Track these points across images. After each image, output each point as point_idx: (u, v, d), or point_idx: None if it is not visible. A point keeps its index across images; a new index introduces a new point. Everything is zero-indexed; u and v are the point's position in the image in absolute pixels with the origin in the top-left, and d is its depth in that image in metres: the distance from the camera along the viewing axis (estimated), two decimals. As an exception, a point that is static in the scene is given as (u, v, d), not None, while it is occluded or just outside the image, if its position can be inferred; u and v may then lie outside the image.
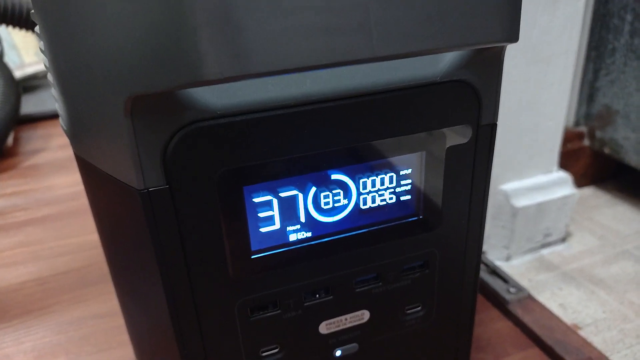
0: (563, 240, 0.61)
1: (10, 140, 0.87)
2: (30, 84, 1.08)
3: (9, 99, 0.83)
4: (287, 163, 0.25)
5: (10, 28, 0.71)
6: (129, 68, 0.20)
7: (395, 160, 0.28)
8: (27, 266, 0.58)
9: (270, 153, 0.25)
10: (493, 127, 0.29)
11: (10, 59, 1.00)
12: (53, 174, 0.79)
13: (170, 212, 0.24)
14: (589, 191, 0.73)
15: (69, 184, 0.76)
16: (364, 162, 0.27)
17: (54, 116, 0.98)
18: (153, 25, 0.19)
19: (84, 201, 0.71)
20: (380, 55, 0.19)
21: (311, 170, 0.26)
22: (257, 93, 0.23)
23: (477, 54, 0.26)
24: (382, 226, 0.29)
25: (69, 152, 0.86)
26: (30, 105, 0.99)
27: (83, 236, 0.63)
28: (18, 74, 1.01)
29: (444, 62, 0.26)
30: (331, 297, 0.30)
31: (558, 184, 0.58)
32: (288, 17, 0.18)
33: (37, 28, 0.27)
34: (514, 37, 0.22)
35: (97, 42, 0.21)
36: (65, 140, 0.91)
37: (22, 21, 0.65)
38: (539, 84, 0.52)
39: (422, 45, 0.20)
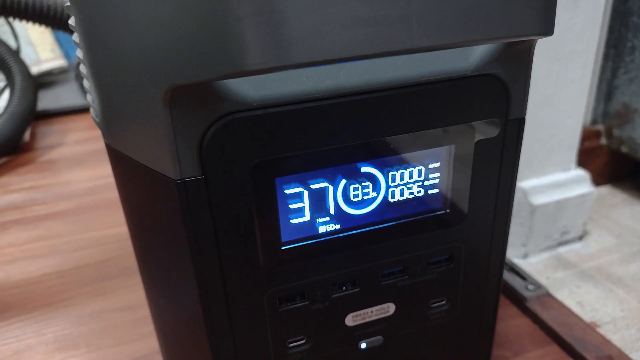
0: (580, 238, 0.61)
1: (27, 135, 0.88)
2: (46, 80, 1.09)
3: (26, 94, 0.84)
4: (319, 155, 0.26)
5: (28, 23, 0.72)
6: (170, 59, 0.20)
7: (424, 153, 0.28)
8: (47, 259, 0.59)
9: (303, 145, 0.25)
10: (521, 121, 0.29)
11: (26, 55, 1.01)
12: (70, 168, 0.80)
13: (204, 203, 0.24)
14: (606, 190, 0.73)
15: (87, 178, 0.76)
16: (394, 155, 0.27)
17: (69, 112, 0.99)
18: (196, 16, 0.19)
19: (101, 196, 0.71)
20: (420, 46, 0.20)
21: (342, 162, 0.27)
22: (292, 85, 0.24)
23: (507, 48, 0.26)
24: (409, 219, 0.29)
25: (85, 147, 0.87)
26: (46, 101, 1.00)
27: (101, 230, 0.64)
28: (34, 70, 1.02)
29: (475, 56, 0.26)
30: (358, 289, 0.30)
31: (576, 182, 0.57)
32: (331, 8, 0.18)
33: (71, 20, 0.27)
34: (550, 30, 0.22)
35: (136, 32, 0.21)
36: (81, 135, 0.91)
37: (41, 16, 0.66)
38: (559, 81, 0.52)
39: (462, 37, 0.20)
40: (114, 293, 0.53)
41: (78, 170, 0.79)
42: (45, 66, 1.07)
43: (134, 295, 0.53)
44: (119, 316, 0.50)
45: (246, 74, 0.19)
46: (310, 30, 0.18)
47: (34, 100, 0.86)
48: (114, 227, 0.64)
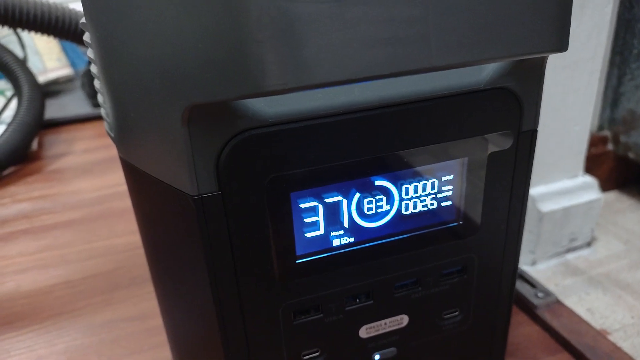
0: (588, 244, 0.61)
1: (35, 144, 0.88)
2: (53, 88, 1.09)
3: (34, 104, 0.84)
4: (333, 170, 0.26)
5: (35, 34, 0.72)
6: (189, 78, 0.21)
7: (437, 166, 0.28)
8: (57, 269, 0.59)
9: (318, 160, 0.25)
10: (534, 133, 0.29)
11: (33, 65, 1.02)
12: (78, 177, 0.80)
13: (221, 218, 0.25)
14: (612, 195, 0.73)
15: (94, 188, 0.77)
16: (407, 169, 0.28)
17: (76, 121, 1.00)
18: (216, 37, 0.19)
19: (109, 205, 0.72)
20: (438, 65, 0.20)
21: (356, 176, 0.27)
22: (307, 101, 0.24)
23: (520, 62, 0.26)
24: (422, 232, 0.30)
25: (92, 156, 0.87)
26: (52, 110, 1.00)
27: (110, 240, 0.64)
28: (41, 79, 1.03)
29: (488, 70, 0.26)
30: (372, 301, 0.30)
31: (584, 189, 0.58)
32: (350, 29, 0.18)
33: (86, 36, 0.27)
34: (564, 46, 0.22)
35: (154, 51, 0.21)
36: (88, 144, 0.92)
37: (49, 28, 0.66)
38: (566, 88, 0.52)
39: (479, 55, 0.20)
40: (125, 303, 0.54)
41: (86, 179, 0.80)
42: (52, 75, 1.08)
43: (144, 304, 0.53)
44: (129, 326, 0.50)
45: (266, 95, 0.19)
46: (329, 52, 0.19)
47: (42, 110, 0.87)
48: (123, 236, 0.64)
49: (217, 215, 0.25)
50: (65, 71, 1.10)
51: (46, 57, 1.07)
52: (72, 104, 1.03)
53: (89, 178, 0.80)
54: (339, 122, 0.25)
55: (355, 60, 0.19)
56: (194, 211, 0.24)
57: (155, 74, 0.22)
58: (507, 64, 0.26)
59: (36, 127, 0.84)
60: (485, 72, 0.26)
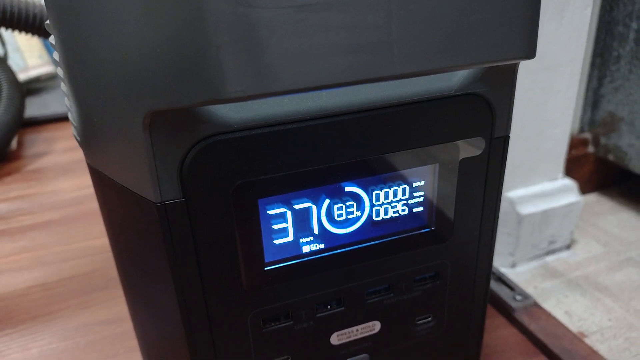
0: (568, 247, 0.62)
1: (14, 143, 0.87)
2: (34, 86, 1.08)
3: (13, 102, 0.83)
4: (302, 176, 0.26)
5: (14, 32, 0.71)
6: (150, 83, 0.20)
7: (408, 172, 0.28)
8: (32, 271, 0.58)
9: (285, 166, 0.25)
10: (506, 139, 0.29)
11: (14, 62, 1.00)
12: (57, 177, 0.79)
13: (185, 225, 0.24)
14: (593, 198, 0.73)
15: (74, 188, 0.76)
16: (378, 175, 0.27)
17: (57, 119, 0.99)
18: (176, 43, 0.19)
19: (88, 205, 0.71)
20: (401, 73, 0.19)
21: (325, 182, 0.26)
22: (274, 107, 0.24)
23: (491, 69, 0.26)
24: (394, 238, 0.29)
25: (72, 156, 0.86)
26: (33, 108, 0.99)
27: (88, 241, 0.63)
28: (22, 76, 1.01)
29: (459, 76, 0.26)
30: (343, 308, 0.30)
31: (563, 191, 0.58)
32: (310, 36, 0.18)
33: (51, 39, 0.27)
34: (531, 53, 0.22)
35: (116, 56, 0.21)
36: (68, 144, 0.91)
37: (27, 25, 0.65)
38: (546, 91, 0.53)
39: (442, 63, 0.20)
40: (101, 306, 0.53)
41: (65, 179, 0.79)
42: (33, 73, 1.06)
43: (120, 307, 0.52)
44: (105, 329, 0.50)
45: (227, 102, 0.19)
46: (289, 59, 0.18)
47: (21, 109, 0.85)
48: (100, 237, 0.64)
49: (181, 223, 0.24)
50: (46, 69, 1.09)
51: (27, 54, 1.06)
52: (53, 102, 1.02)
53: (68, 178, 0.79)
54: (306, 127, 0.24)
55: (316, 67, 0.18)
56: (157, 218, 0.24)
57: (116, 79, 0.21)
58: (478, 70, 0.26)
59: (15, 126, 0.83)
60: (456, 78, 0.26)
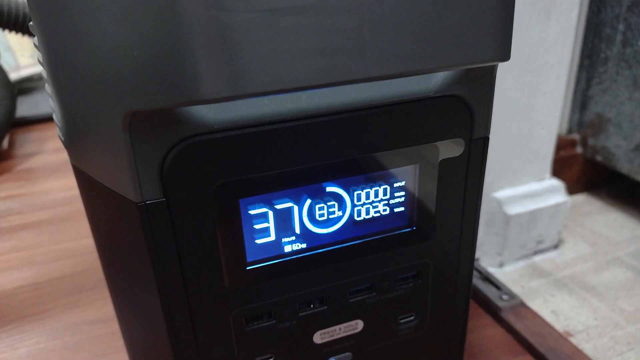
0: (555, 247, 0.62)
1: (5, 143, 0.87)
2: (26, 86, 1.08)
3: (3, 101, 0.83)
4: (283, 176, 0.26)
5: (4, 31, 0.71)
6: (128, 85, 0.20)
7: (389, 172, 0.28)
8: (22, 271, 0.58)
9: (266, 166, 0.25)
10: (485, 140, 0.29)
11: (5, 61, 1.00)
12: (48, 177, 0.79)
13: (167, 225, 0.24)
14: (581, 198, 0.74)
15: (64, 187, 0.76)
16: (359, 175, 0.28)
17: (49, 119, 0.98)
18: (152, 45, 0.19)
19: (78, 205, 0.71)
20: (374, 75, 0.20)
21: (306, 183, 0.27)
22: (253, 108, 0.24)
23: (470, 71, 0.26)
24: (376, 237, 0.30)
25: (63, 156, 0.86)
26: (25, 107, 0.99)
27: (78, 241, 0.63)
28: (13, 76, 1.01)
29: (438, 77, 0.26)
30: (325, 307, 0.30)
31: (551, 192, 0.58)
32: (283, 39, 0.18)
33: (35, 40, 0.27)
34: (505, 56, 0.22)
35: (95, 57, 0.21)
36: (60, 144, 0.90)
37: (18, 25, 0.65)
38: (533, 92, 0.53)
39: (415, 65, 0.20)
40: (90, 305, 0.53)
41: (55, 179, 0.79)
42: (25, 72, 1.06)
43: (109, 307, 0.52)
44: (94, 329, 0.50)
45: (202, 103, 0.19)
46: (263, 61, 0.18)
47: (13, 108, 0.85)
48: (90, 237, 0.64)
49: (162, 223, 0.24)
50: (38, 68, 1.09)
51: (19, 54, 1.06)
52: (45, 102, 1.02)
53: (59, 178, 0.79)
54: (286, 128, 0.24)
55: (289, 70, 0.19)
56: (138, 218, 0.24)
57: (96, 80, 0.22)
58: (457, 72, 0.26)
59: (6, 126, 0.83)
60: (435, 80, 0.26)
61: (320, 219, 0.28)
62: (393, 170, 0.28)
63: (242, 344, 0.29)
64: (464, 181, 0.30)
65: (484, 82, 0.27)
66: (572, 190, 0.71)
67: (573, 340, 0.49)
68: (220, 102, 0.19)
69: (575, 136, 0.71)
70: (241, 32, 0.18)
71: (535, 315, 0.50)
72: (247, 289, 0.28)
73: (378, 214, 0.29)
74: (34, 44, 0.28)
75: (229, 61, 0.18)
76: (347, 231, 0.29)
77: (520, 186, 0.57)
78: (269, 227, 0.27)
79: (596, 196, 0.74)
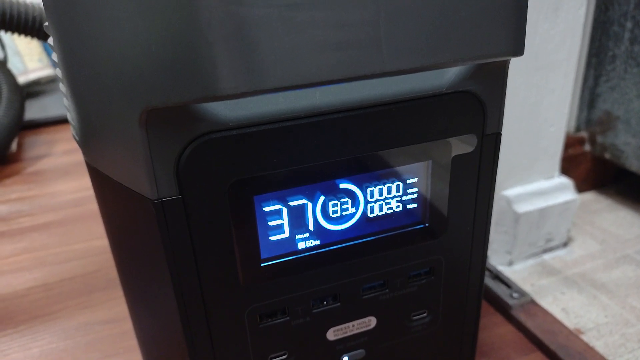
0: (565, 245, 0.62)
1: (14, 146, 0.87)
2: (34, 89, 1.08)
3: (13, 104, 0.83)
4: (297, 173, 0.26)
5: (14, 35, 0.72)
6: (146, 81, 0.21)
7: (402, 169, 0.28)
8: (33, 272, 0.59)
9: (280, 163, 0.25)
10: (498, 136, 0.29)
11: (13, 65, 1.01)
12: (57, 179, 0.80)
13: (182, 221, 0.25)
14: (590, 196, 0.74)
15: (73, 189, 0.76)
16: (372, 172, 0.28)
17: (57, 122, 0.99)
18: (170, 41, 0.19)
19: (88, 207, 0.71)
20: (390, 70, 0.20)
21: (320, 179, 0.27)
22: (268, 105, 0.24)
23: (482, 66, 0.26)
24: (388, 234, 0.30)
25: (72, 158, 0.86)
26: (33, 111, 0.99)
27: (88, 242, 0.64)
28: (21, 79, 1.02)
29: (450, 73, 0.26)
30: (339, 304, 0.30)
31: (560, 190, 0.58)
32: (301, 34, 0.19)
33: (50, 40, 0.27)
34: (519, 50, 0.22)
35: (112, 55, 0.21)
36: (68, 146, 0.91)
37: (28, 28, 0.66)
38: (541, 90, 0.53)
39: (431, 59, 0.21)
40: (101, 306, 0.53)
41: (64, 181, 0.79)
42: (33, 76, 1.07)
43: (120, 307, 0.53)
44: (105, 329, 0.50)
45: (220, 99, 0.19)
46: (280, 56, 0.19)
47: (21, 111, 0.86)
48: (100, 238, 0.64)
49: (178, 219, 0.24)
50: (46, 72, 1.09)
51: (27, 58, 1.06)
52: (53, 105, 1.03)
53: (68, 180, 0.79)
54: (300, 125, 0.25)
55: (306, 65, 0.19)
56: (154, 215, 0.24)
57: (113, 77, 0.22)
58: (469, 67, 0.26)
59: (15, 129, 0.84)
60: (448, 76, 0.26)
61: (333, 215, 0.28)
62: (406, 167, 0.28)
63: (256, 341, 0.29)
64: (477, 177, 0.30)
65: (496, 77, 0.27)
66: (580, 188, 0.71)
67: (584, 337, 0.49)
68: (237, 98, 0.19)
69: (584, 134, 0.70)
70: (259, 27, 0.18)
71: (545, 313, 0.50)
72: (261, 286, 0.28)
73: (391, 211, 0.29)
74: (49, 44, 0.28)
75: (247, 56, 0.18)
76: (360, 228, 0.29)
77: (530, 184, 0.57)
78: (282, 224, 0.27)
79: (605, 194, 0.74)
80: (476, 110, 0.28)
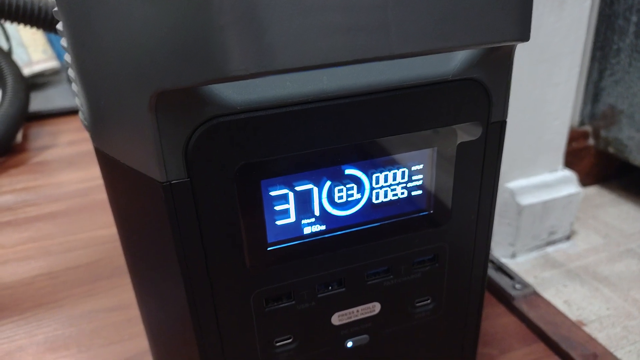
0: (568, 238, 0.62)
1: (19, 137, 0.88)
2: (38, 81, 1.09)
3: (18, 95, 0.84)
4: (304, 158, 0.26)
5: (19, 25, 0.72)
6: (155, 64, 0.21)
7: (407, 156, 0.28)
8: (38, 261, 0.59)
9: (287, 148, 0.25)
10: (503, 124, 0.29)
11: (18, 57, 1.01)
12: (62, 170, 0.80)
13: (190, 205, 0.25)
14: (593, 190, 0.74)
15: (78, 180, 0.77)
16: (377, 158, 0.28)
17: (61, 113, 1.00)
18: (179, 23, 0.19)
19: (93, 197, 0.72)
20: (398, 53, 0.20)
21: (326, 165, 0.27)
22: (276, 89, 0.24)
23: (488, 53, 0.26)
24: (393, 220, 0.30)
25: (77, 149, 0.87)
26: (38, 102, 1.00)
27: (92, 231, 0.64)
28: (26, 71, 1.02)
29: (456, 60, 0.27)
30: (344, 289, 0.31)
31: (563, 183, 0.58)
32: (310, 15, 0.19)
33: (59, 25, 0.28)
34: (525, 36, 0.23)
35: (122, 38, 0.21)
36: (73, 137, 0.92)
37: (32, 19, 0.66)
38: (545, 83, 0.53)
39: (438, 43, 0.21)
40: (106, 294, 0.54)
41: (70, 171, 0.79)
42: (37, 67, 1.07)
43: (125, 295, 0.53)
44: (110, 316, 0.51)
45: (230, 80, 0.20)
46: (290, 38, 0.19)
47: (26, 102, 0.86)
48: (105, 227, 0.64)
49: (186, 202, 0.25)
50: (51, 63, 1.10)
51: (31, 49, 1.07)
52: (57, 96, 1.03)
53: (73, 170, 0.80)
54: (308, 110, 0.25)
55: (315, 47, 0.19)
56: (163, 198, 0.24)
57: (122, 61, 0.22)
58: (475, 55, 0.26)
59: (20, 120, 0.84)
60: (454, 63, 0.26)
61: (339, 201, 0.28)
62: (411, 154, 0.28)
63: (262, 324, 0.30)
64: (481, 165, 0.30)
65: (502, 65, 0.27)
66: (584, 182, 0.71)
67: (586, 329, 0.49)
68: (246, 79, 0.20)
69: (587, 128, 0.70)
70: (269, 9, 0.18)
71: (548, 304, 0.50)
72: (267, 270, 0.28)
73: (396, 197, 0.29)
74: (58, 30, 0.28)
75: (257, 37, 0.18)
76: (366, 214, 0.29)
77: (533, 177, 0.57)
78: (289, 208, 0.28)
79: (608, 188, 0.74)
80: (482, 98, 0.28)
